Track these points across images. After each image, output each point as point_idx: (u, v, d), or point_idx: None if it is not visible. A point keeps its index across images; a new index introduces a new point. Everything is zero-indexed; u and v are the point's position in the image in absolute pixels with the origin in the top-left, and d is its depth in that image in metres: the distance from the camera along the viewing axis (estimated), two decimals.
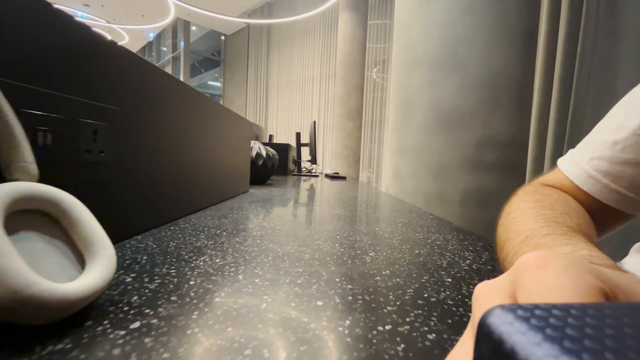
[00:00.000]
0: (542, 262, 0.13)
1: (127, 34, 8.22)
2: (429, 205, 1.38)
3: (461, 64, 1.26)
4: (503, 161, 1.27)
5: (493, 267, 0.38)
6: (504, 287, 0.13)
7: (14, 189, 0.22)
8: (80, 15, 6.78)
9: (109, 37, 0.36)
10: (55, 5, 0.29)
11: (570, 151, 0.41)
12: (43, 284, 0.19)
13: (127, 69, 0.40)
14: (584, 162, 0.36)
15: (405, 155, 1.49)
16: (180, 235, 0.44)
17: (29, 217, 0.23)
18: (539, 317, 0.09)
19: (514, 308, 0.10)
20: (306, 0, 5.95)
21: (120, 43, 0.37)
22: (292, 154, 1.99)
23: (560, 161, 0.40)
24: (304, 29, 6.17)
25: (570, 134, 1.20)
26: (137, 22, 7.63)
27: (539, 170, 1.27)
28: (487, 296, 0.14)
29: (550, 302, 0.11)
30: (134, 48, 9.34)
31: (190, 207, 0.59)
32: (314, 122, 2.06)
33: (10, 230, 0.21)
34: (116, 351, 0.19)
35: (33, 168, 0.25)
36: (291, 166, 1.96)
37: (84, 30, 0.33)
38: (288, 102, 6.57)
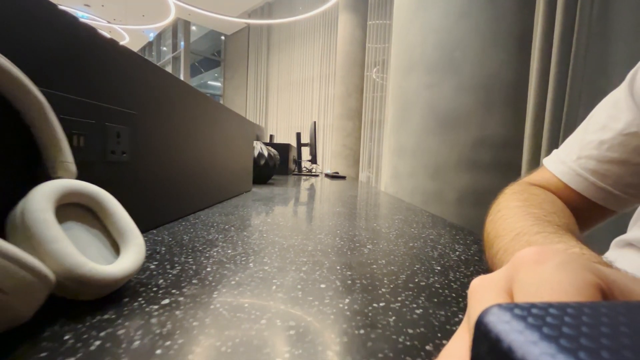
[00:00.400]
0: (539, 257, 0.13)
1: (127, 34, 8.25)
2: (426, 204, 1.42)
3: (457, 67, 1.30)
4: (498, 161, 1.31)
5: (480, 258, 0.42)
6: (500, 282, 0.14)
7: (61, 186, 0.25)
8: (81, 16, 6.81)
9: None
10: (79, 17, 0.33)
11: (555, 151, 0.43)
12: (90, 265, 0.23)
13: (144, 75, 0.43)
14: (571, 161, 0.38)
15: (404, 155, 1.53)
16: (192, 230, 0.48)
17: (72, 210, 0.27)
18: (536, 315, 0.09)
19: (511, 307, 0.10)
20: (306, 0, 5.98)
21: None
22: (293, 154, 2.03)
23: (546, 161, 0.43)
24: (304, 30, 6.19)
25: (565, 134, 1.24)
26: (138, 22, 7.66)
27: (534, 170, 1.31)
28: (483, 291, 0.14)
29: (547, 297, 0.11)
30: (135, 48, 9.37)
31: (198, 204, 0.63)
32: (314, 122, 2.10)
33: (59, 220, 0.25)
34: (154, 320, 0.22)
35: (73, 167, 0.28)
36: (292, 166, 2.00)
37: (110, 43, 0.37)
38: (288, 102, 6.60)
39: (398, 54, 1.59)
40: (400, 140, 1.55)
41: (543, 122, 1.24)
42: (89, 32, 0.34)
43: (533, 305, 0.10)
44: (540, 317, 0.09)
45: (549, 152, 1.27)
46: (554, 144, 1.22)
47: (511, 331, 0.09)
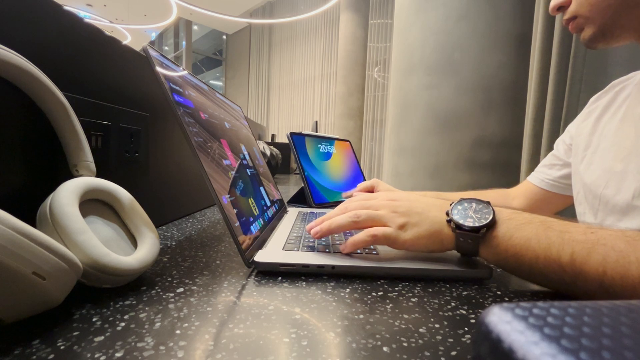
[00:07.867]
0: None
1: (129, 33, 8.27)
2: None
3: (457, 68, 1.32)
4: (496, 160, 1.32)
5: None
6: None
7: (84, 183, 0.28)
8: (84, 15, 6.84)
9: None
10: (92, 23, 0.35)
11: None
12: (113, 256, 0.25)
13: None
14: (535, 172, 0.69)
15: (404, 155, 1.55)
16: (199, 226, 0.50)
17: (93, 205, 0.29)
18: (537, 316, 0.09)
19: (512, 307, 0.10)
20: (307, 0, 5.99)
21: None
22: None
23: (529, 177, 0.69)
24: (306, 29, 6.21)
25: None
26: (140, 21, 7.69)
27: (533, 169, 1.33)
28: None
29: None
30: (136, 47, 9.37)
31: (204, 202, 0.65)
32: (316, 122, 2.12)
33: (82, 215, 0.27)
34: (171, 306, 0.24)
35: (93, 166, 0.31)
36: (293, 165, 2.01)
37: (128, 50, 0.39)
38: (289, 102, 6.62)
39: (398, 55, 1.61)
40: (401, 140, 1.57)
41: (543, 122, 1.26)
42: (112, 42, 0.36)
43: (535, 305, 0.10)
44: (542, 317, 0.09)
45: (548, 150, 1.29)
46: (554, 142, 1.23)
47: (512, 331, 0.09)
